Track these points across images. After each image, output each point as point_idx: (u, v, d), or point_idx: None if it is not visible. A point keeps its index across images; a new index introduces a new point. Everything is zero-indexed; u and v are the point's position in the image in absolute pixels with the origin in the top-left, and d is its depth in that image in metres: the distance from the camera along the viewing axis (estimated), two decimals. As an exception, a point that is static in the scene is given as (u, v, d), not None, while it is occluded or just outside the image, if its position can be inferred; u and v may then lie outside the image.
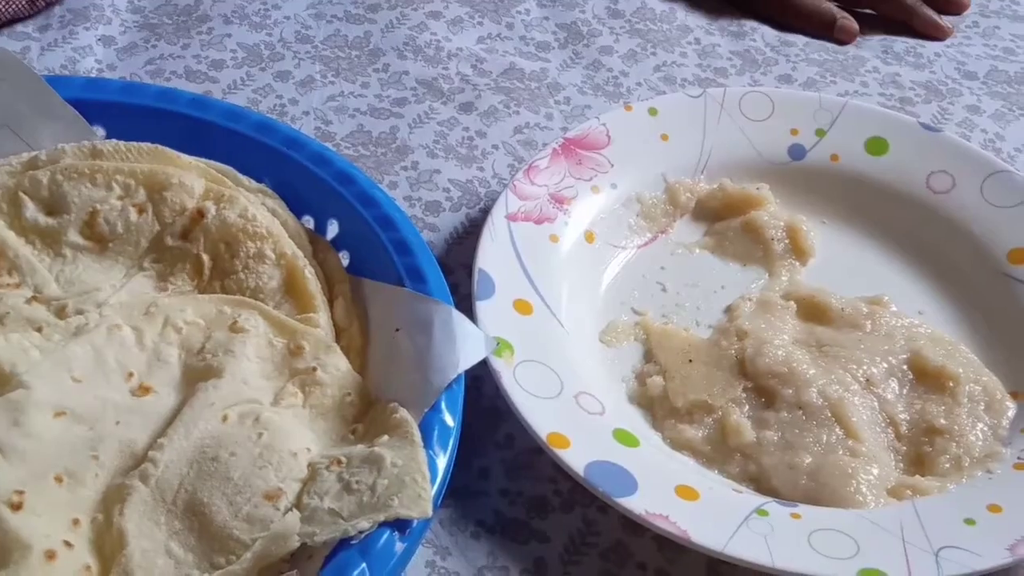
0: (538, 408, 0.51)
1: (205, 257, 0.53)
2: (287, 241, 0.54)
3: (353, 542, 0.41)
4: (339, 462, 0.44)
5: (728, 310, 0.61)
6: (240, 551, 0.42)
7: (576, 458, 0.49)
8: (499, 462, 0.53)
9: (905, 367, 0.56)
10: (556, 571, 0.49)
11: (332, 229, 0.57)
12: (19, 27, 0.79)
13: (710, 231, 0.66)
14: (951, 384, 0.55)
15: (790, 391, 0.54)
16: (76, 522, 0.42)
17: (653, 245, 0.65)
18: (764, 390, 0.55)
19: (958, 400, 0.55)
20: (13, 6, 0.78)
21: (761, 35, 0.85)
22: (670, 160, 0.67)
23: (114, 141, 0.56)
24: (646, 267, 0.64)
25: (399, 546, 0.41)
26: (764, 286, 0.63)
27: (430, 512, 0.42)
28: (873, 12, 0.87)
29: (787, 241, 0.64)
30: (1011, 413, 0.55)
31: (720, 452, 0.53)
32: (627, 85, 0.79)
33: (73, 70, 0.76)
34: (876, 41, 0.85)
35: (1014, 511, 0.49)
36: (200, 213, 0.54)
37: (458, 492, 0.51)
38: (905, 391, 0.56)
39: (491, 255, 0.58)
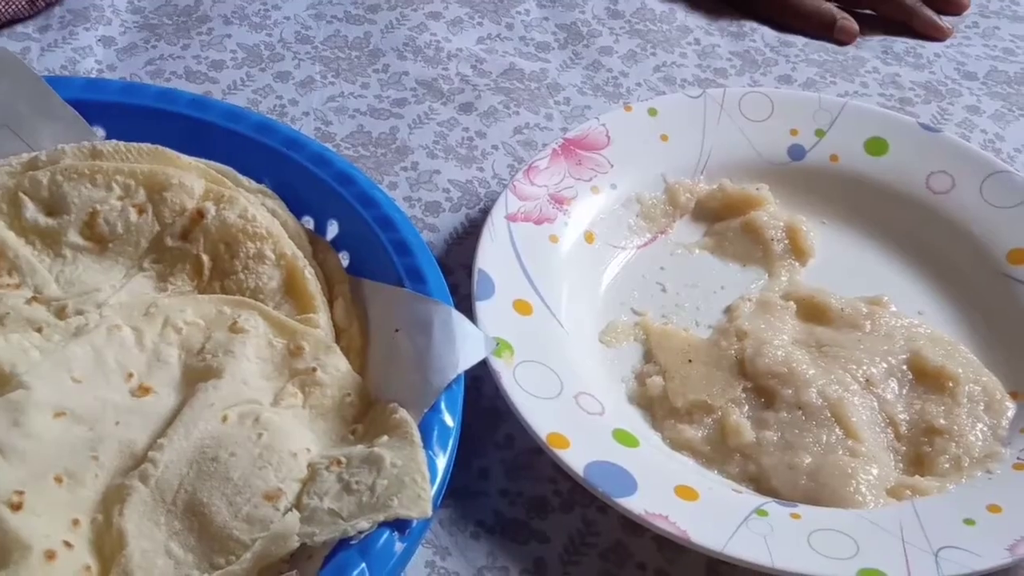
0: (538, 408, 0.51)
1: (205, 257, 0.53)
2: (287, 242, 0.54)
3: (353, 542, 0.41)
4: (339, 462, 0.44)
5: (728, 310, 0.61)
6: (240, 551, 0.42)
7: (576, 458, 0.49)
8: (499, 462, 0.54)
9: (905, 367, 0.56)
10: (556, 571, 0.49)
11: (332, 230, 0.57)
12: (19, 28, 0.79)
13: (710, 231, 0.66)
14: (951, 384, 0.55)
15: (790, 391, 0.54)
16: (76, 522, 0.42)
17: (653, 245, 0.65)
18: (764, 390, 0.55)
19: (958, 400, 0.55)
20: (13, 6, 0.78)
21: (761, 36, 0.85)
22: (670, 160, 0.67)
23: (114, 142, 0.56)
24: (646, 267, 0.64)
25: (399, 546, 0.41)
26: (764, 286, 0.63)
27: (430, 512, 0.42)
28: (873, 13, 0.87)
29: (787, 241, 0.64)
30: (1011, 413, 0.55)
31: (720, 452, 0.53)
32: (627, 85, 0.79)
33: (73, 71, 0.76)
34: (876, 41, 0.85)
35: (1014, 511, 0.49)
36: (200, 213, 0.54)
37: (458, 492, 0.51)
38: (905, 391, 0.56)
39: (491, 255, 0.58)
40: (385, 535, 0.41)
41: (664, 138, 0.68)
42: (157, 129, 0.58)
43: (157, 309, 0.50)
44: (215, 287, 0.53)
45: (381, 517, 0.41)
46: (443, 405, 0.46)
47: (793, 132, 0.69)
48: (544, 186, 0.63)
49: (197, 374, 0.48)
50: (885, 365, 0.56)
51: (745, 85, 0.79)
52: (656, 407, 0.56)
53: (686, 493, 0.49)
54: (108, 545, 0.42)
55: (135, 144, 0.56)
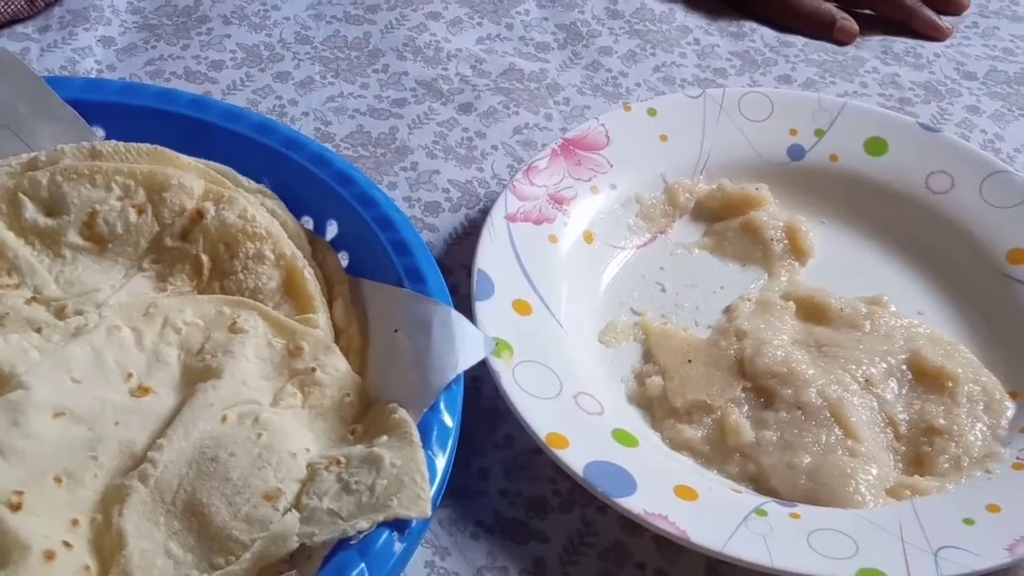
0: (537, 408, 0.51)
1: (204, 258, 0.53)
2: (286, 242, 0.54)
3: (352, 542, 0.41)
4: (338, 462, 0.44)
5: (727, 310, 0.61)
6: (239, 551, 0.42)
7: (575, 458, 0.49)
8: (498, 462, 0.54)
9: (904, 367, 0.56)
10: (555, 571, 0.49)
11: (331, 230, 0.57)
12: (19, 28, 0.79)
13: (709, 231, 0.66)
14: (950, 384, 0.55)
15: (789, 391, 0.54)
16: (75, 522, 0.42)
17: (652, 245, 0.65)
18: (763, 390, 0.55)
19: (957, 400, 0.55)
20: (12, 7, 0.78)
21: (760, 36, 0.85)
22: (669, 160, 0.67)
23: (113, 142, 0.56)
24: (645, 267, 0.64)
25: (398, 546, 0.41)
26: (763, 286, 0.63)
27: (429, 512, 0.42)
28: (872, 13, 0.87)
29: (786, 241, 0.64)
30: (1010, 413, 0.55)
31: (719, 452, 0.53)
32: (626, 86, 0.79)
33: (73, 71, 0.76)
34: (875, 41, 0.85)
35: (1013, 511, 0.49)
36: (199, 214, 0.54)
37: (457, 492, 0.51)
38: (904, 391, 0.56)
39: (490, 256, 0.58)
40: (384, 535, 0.41)
41: (663, 138, 0.68)
42: (156, 129, 0.58)
43: (156, 309, 0.50)
44: (214, 287, 0.53)
45: (380, 517, 0.41)
46: (442, 405, 0.46)
47: (792, 132, 0.69)
48: (543, 186, 0.63)
49: (196, 374, 0.48)
50: (884, 365, 0.56)
51: (745, 85, 0.79)
52: (655, 407, 0.56)
53: (685, 493, 0.49)
54: (107, 545, 0.42)
55: (134, 144, 0.56)
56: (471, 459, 0.53)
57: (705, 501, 0.49)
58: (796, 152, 0.68)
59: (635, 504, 0.47)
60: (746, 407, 0.55)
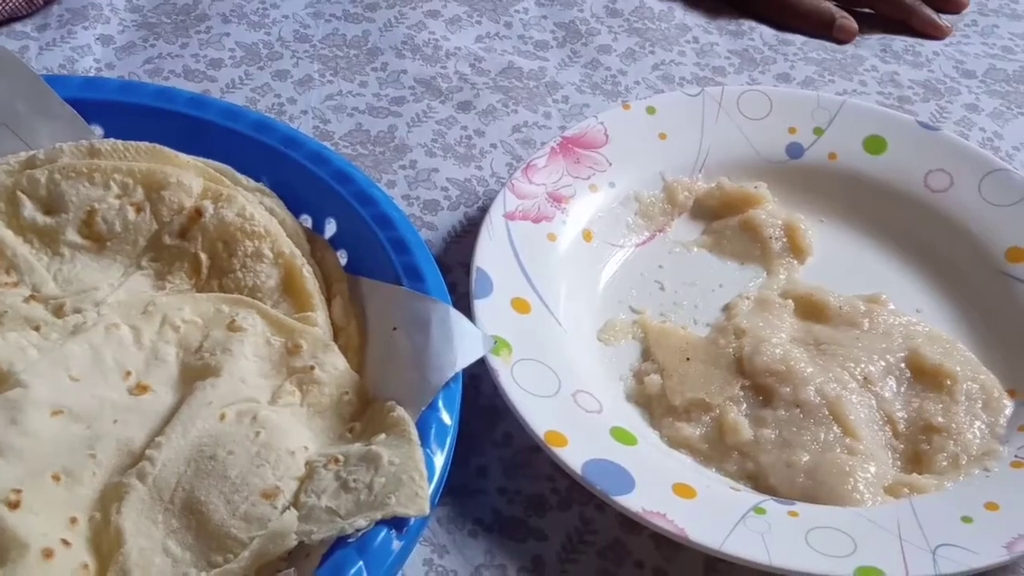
0: (536, 406, 0.51)
1: (203, 256, 0.53)
2: (285, 240, 0.54)
3: (350, 540, 0.41)
4: (336, 460, 0.44)
5: (726, 308, 0.61)
6: (238, 549, 0.42)
7: (574, 456, 0.49)
8: (497, 460, 0.54)
9: (903, 365, 0.56)
10: (554, 569, 0.49)
11: (330, 228, 0.57)
12: (17, 26, 0.79)
13: (708, 230, 0.66)
14: (949, 382, 0.55)
15: (788, 389, 0.54)
16: (74, 520, 0.42)
17: (651, 244, 0.65)
18: (762, 388, 0.55)
19: (955, 398, 0.55)
20: (11, 5, 0.78)
21: (759, 34, 0.85)
22: (668, 159, 0.67)
23: (112, 140, 0.56)
24: (644, 266, 0.64)
25: (396, 544, 0.41)
26: (762, 284, 0.63)
27: (427, 510, 0.42)
28: (872, 11, 0.87)
29: (785, 239, 0.64)
30: (1008, 411, 0.55)
31: (718, 450, 0.53)
32: (625, 84, 0.79)
33: (71, 69, 0.76)
34: (875, 40, 0.85)
35: (1011, 509, 0.49)
36: (198, 212, 0.54)
37: (456, 490, 0.51)
38: (903, 389, 0.56)
39: (489, 254, 0.58)
40: (383, 533, 0.41)
41: (662, 136, 0.68)
42: (155, 128, 0.58)
43: (155, 307, 0.50)
44: (213, 285, 0.53)
45: (379, 515, 0.41)
46: (441, 403, 0.46)
47: (791, 130, 0.69)
48: (542, 184, 0.63)
49: (195, 372, 0.48)
50: (883, 363, 0.56)
51: (744, 83, 0.79)
52: (654, 405, 0.56)
53: (684, 491, 0.49)
54: (106, 543, 0.42)
55: (133, 143, 0.56)
56: (470, 457, 0.53)
57: (703, 499, 0.49)
58: (795, 150, 0.68)
59: (633, 502, 0.47)
60: (744, 405, 0.55)
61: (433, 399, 0.46)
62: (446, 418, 0.46)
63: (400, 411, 0.46)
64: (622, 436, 0.52)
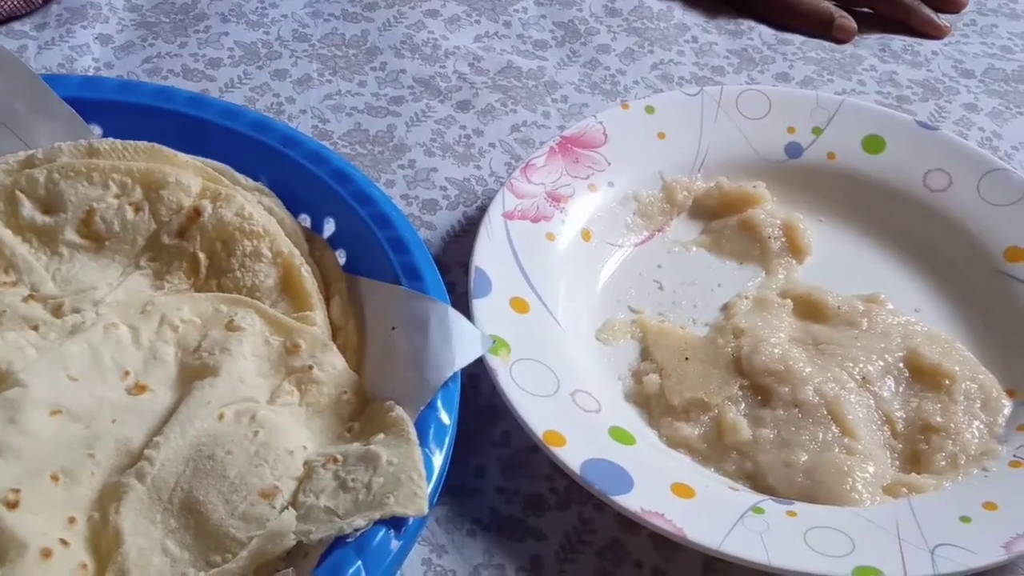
0: (534, 406, 0.51)
1: (201, 255, 0.53)
2: (283, 239, 0.54)
3: (349, 540, 0.41)
4: (335, 460, 0.44)
5: (725, 308, 0.61)
6: (236, 549, 0.42)
7: (572, 456, 0.49)
8: (495, 460, 0.54)
9: (901, 365, 0.56)
10: (552, 569, 0.49)
11: (329, 227, 0.57)
12: (16, 25, 0.79)
13: (707, 229, 0.66)
14: (947, 382, 0.55)
15: (786, 389, 0.54)
16: (72, 520, 0.42)
17: (650, 243, 0.65)
18: (760, 388, 0.55)
19: (954, 398, 0.55)
20: (9, 4, 0.78)
21: (758, 34, 0.85)
22: (667, 158, 0.67)
23: (111, 139, 0.56)
24: (643, 265, 0.64)
25: (395, 544, 0.41)
26: (761, 284, 0.63)
27: (426, 510, 0.42)
28: (871, 11, 0.87)
29: (784, 239, 0.64)
30: (1007, 411, 0.55)
31: (716, 450, 0.53)
32: (624, 83, 0.79)
33: (70, 68, 0.76)
34: (873, 39, 0.85)
35: (1010, 509, 0.49)
36: (197, 211, 0.54)
37: (454, 490, 0.51)
38: (901, 389, 0.56)
39: (488, 253, 0.58)
40: (381, 533, 0.41)
41: (661, 136, 0.68)
42: (154, 127, 0.58)
43: (154, 307, 0.50)
44: (212, 285, 0.53)
45: (377, 515, 0.41)
46: (439, 403, 0.46)
47: (790, 130, 0.69)
48: (541, 184, 0.63)
49: (193, 372, 0.48)
50: (882, 363, 0.56)
51: (742, 83, 0.79)
52: (653, 405, 0.56)
53: (682, 491, 0.49)
54: (104, 543, 0.42)
55: (132, 142, 0.56)
56: (468, 457, 0.53)
57: (702, 499, 0.49)
58: (794, 150, 0.68)
59: (632, 502, 0.47)
60: (743, 405, 0.55)
61: (432, 399, 0.46)
62: (445, 418, 0.46)
63: (399, 411, 0.46)
64: (621, 436, 0.52)
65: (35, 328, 0.49)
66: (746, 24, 0.86)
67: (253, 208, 0.54)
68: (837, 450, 0.52)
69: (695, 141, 0.68)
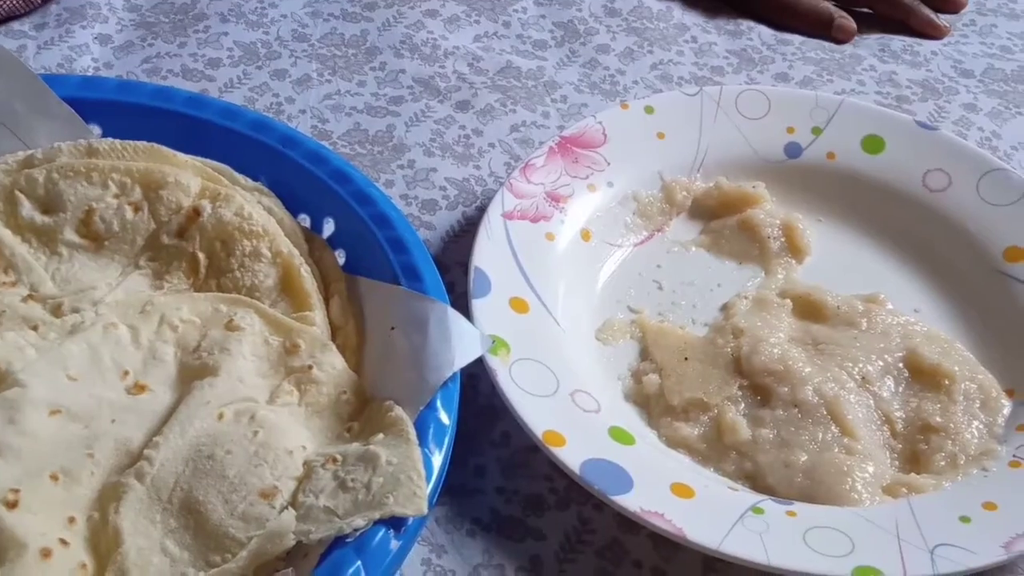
0: (534, 406, 0.51)
1: (201, 255, 0.53)
2: (283, 239, 0.54)
3: (348, 540, 0.41)
4: (335, 460, 0.44)
5: (724, 308, 0.61)
6: (236, 549, 0.42)
7: (572, 456, 0.49)
8: (495, 460, 0.54)
9: (901, 365, 0.56)
10: (552, 569, 0.49)
11: (328, 227, 0.57)
12: (15, 25, 0.79)
13: (706, 229, 0.66)
14: (947, 382, 0.55)
15: (786, 389, 0.54)
16: (72, 520, 0.42)
17: (649, 243, 0.65)
18: (760, 388, 0.55)
19: (954, 398, 0.55)
20: (8, 3, 0.78)
21: (758, 34, 0.85)
22: (666, 158, 0.67)
23: (110, 139, 0.56)
24: (642, 265, 0.64)
25: (394, 544, 0.41)
26: (760, 284, 0.63)
27: (425, 510, 0.42)
28: (870, 11, 0.87)
29: (783, 239, 0.64)
30: (1006, 411, 0.55)
31: (716, 450, 0.53)
32: (624, 83, 0.79)
33: (69, 68, 0.76)
34: (873, 39, 0.85)
35: (1009, 508, 0.49)
36: (196, 211, 0.54)
37: (454, 490, 0.51)
38: (901, 389, 0.56)
39: (487, 253, 0.58)
40: (381, 533, 0.41)
41: (661, 136, 0.68)
42: (153, 127, 0.58)
43: (153, 307, 0.50)
44: (211, 285, 0.53)
45: (377, 515, 0.41)
46: (439, 403, 0.46)
47: (790, 130, 0.69)
48: (541, 184, 0.63)
49: (193, 372, 0.48)
50: (881, 363, 0.56)
51: (742, 83, 0.79)
52: (652, 405, 0.56)
53: (682, 491, 0.49)
54: (104, 543, 0.42)
55: (131, 142, 0.56)
56: (468, 457, 0.53)
57: (701, 499, 0.49)
58: (793, 150, 0.69)
59: (631, 502, 0.47)
60: (743, 405, 0.55)
61: (431, 399, 0.46)
62: (444, 418, 0.46)
63: (398, 411, 0.46)
64: (620, 436, 0.52)
65: (34, 328, 0.49)
66: (745, 24, 0.86)
67: (252, 208, 0.54)
68: (837, 450, 0.52)
69: (694, 141, 0.68)
